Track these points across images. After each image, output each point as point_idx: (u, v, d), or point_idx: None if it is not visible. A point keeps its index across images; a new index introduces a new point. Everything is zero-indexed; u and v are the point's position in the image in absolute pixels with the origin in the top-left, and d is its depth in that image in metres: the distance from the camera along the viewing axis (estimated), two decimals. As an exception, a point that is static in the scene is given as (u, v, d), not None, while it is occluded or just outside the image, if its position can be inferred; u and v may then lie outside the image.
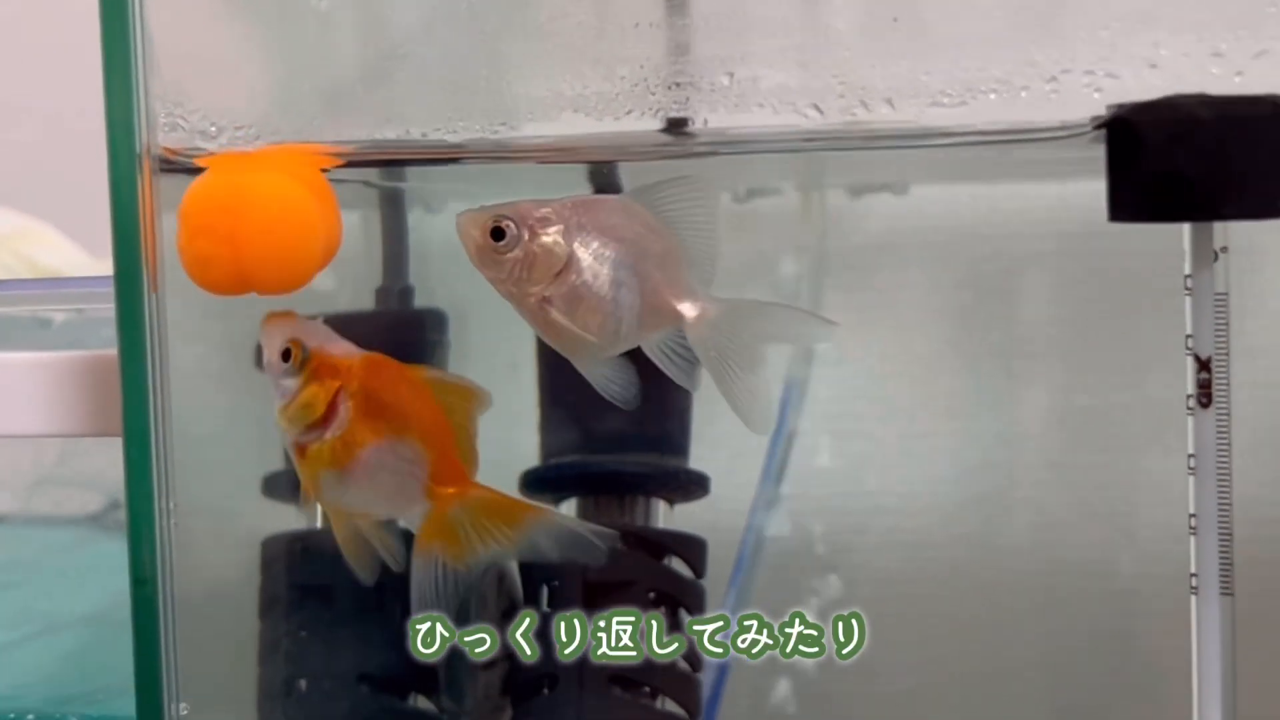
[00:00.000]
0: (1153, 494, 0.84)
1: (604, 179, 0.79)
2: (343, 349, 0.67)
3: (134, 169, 0.66)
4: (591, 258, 0.65)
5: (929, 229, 0.86)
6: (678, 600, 0.79)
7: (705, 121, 0.67)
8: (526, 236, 0.65)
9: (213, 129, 0.68)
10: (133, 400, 0.66)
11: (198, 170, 0.68)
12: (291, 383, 0.66)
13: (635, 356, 0.74)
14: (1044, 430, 0.86)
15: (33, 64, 1.16)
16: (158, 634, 0.67)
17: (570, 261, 0.65)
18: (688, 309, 0.65)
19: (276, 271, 0.65)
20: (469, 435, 0.67)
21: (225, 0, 0.70)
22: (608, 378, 0.66)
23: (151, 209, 0.66)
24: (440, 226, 0.88)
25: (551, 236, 0.65)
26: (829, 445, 0.87)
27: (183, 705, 0.68)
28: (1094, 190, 0.84)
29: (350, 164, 0.70)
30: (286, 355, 0.66)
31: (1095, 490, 0.85)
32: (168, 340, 0.68)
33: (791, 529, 0.87)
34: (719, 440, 0.84)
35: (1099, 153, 0.66)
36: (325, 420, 0.66)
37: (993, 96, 0.64)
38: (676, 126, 0.68)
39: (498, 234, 0.65)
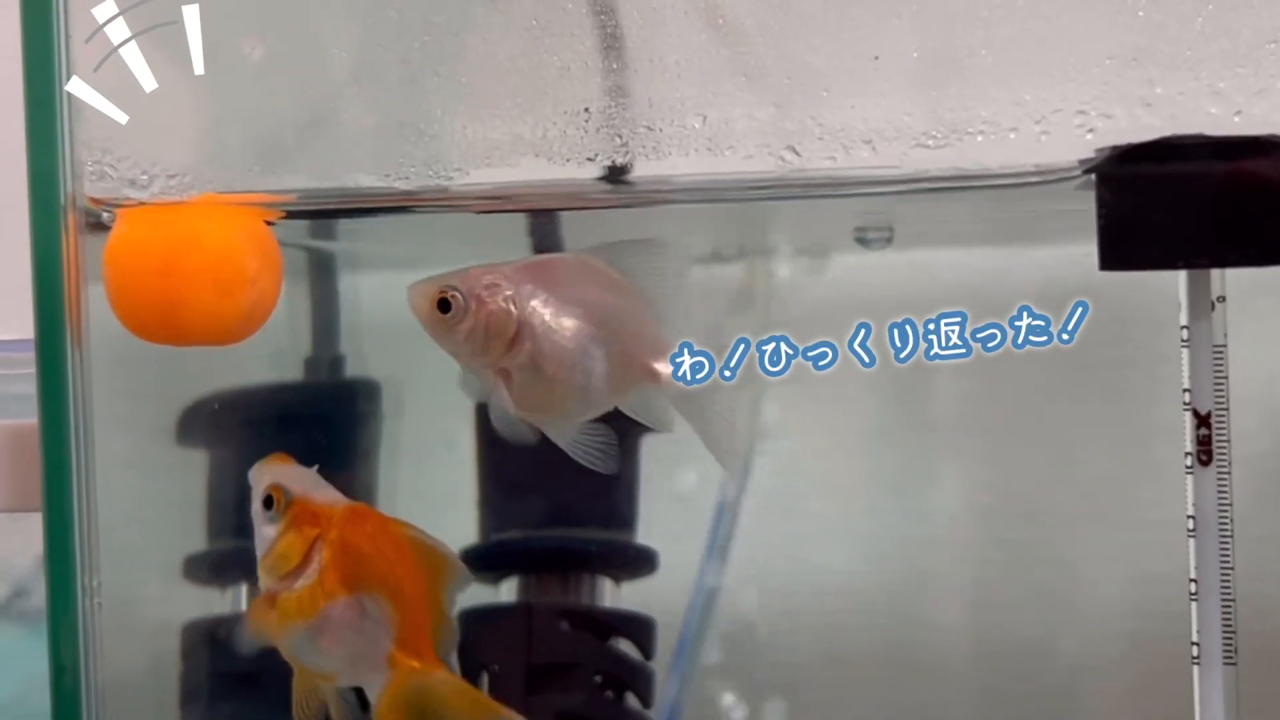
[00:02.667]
0: (1090, 570, 0.83)
1: (543, 233, 0.75)
2: (327, 496, 0.63)
3: (57, 219, 0.61)
4: (548, 322, 0.61)
5: (868, 300, 0.84)
6: (625, 683, 0.77)
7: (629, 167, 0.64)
8: (474, 306, 0.61)
9: (144, 177, 0.64)
10: (54, 470, 0.62)
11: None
12: (271, 530, 0.63)
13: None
14: (982, 506, 0.83)
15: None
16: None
17: (523, 329, 0.60)
18: (662, 367, 0.61)
19: (211, 316, 0.61)
20: (441, 606, 0.63)
21: (156, 46, 0.65)
22: (582, 444, 0.62)
23: (76, 262, 0.61)
24: (372, 292, 0.84)
25: (501, 304, 0.61)
26: (771, 522, 0.85)
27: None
28: (1029, 260, 0.83)
29: (287, 215, 0.66)
30: (269, 502, 0.63)
31: (1033, 567, 0.83)
32: (93, 406, 0.63)
33: (733, 607, 0.84)
34: (668, 514, 0.81)
35: (1072, 209, 0.64)
36: (299, 569, 0.62)
37: (979, 139, 0.61)
38: (617, 174, 0.64)
39: (444, 305, 0.62)
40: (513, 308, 0.61)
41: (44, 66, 0.62)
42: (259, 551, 0.64)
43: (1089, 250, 0.81)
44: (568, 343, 0.61)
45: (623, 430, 0.79)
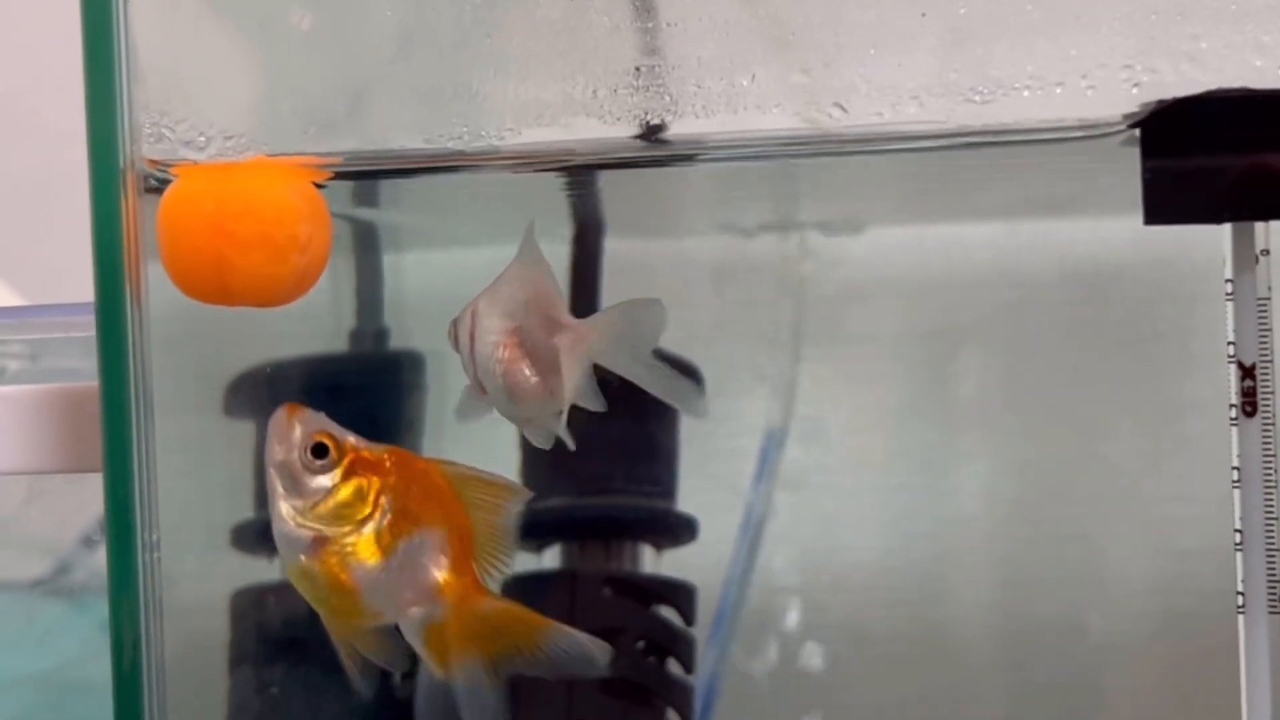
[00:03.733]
0: (1130, 548, 0.83)
1: (583, 200, 0.77)
2: (361, 441, 0.64)
3: (116, 181, 0.62)
4: (477, 326, 0.66)
5: (900, 276, 0.85)
6: (667, 649, 0.77)
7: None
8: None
9: (201, 139, 0.65)
10: (114, 427, 0.63)
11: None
12: (325, 479, 0.63)
13: (617, 400, 0.72)
14: (1015, 484, 0.84)
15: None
16: (140, 681, 0.63)
17: (472, 338, 0.66)
18: (559, 340, 0.65)
19: (260, 278, 0.62)
20: (499, 531, 0.64)
21: (209, 12, 0.66)
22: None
23: (135, 222, 0.62)
24: (415, 266, 0.85)
25: (463, 317, 0.66)
26: (803, 498, 0.85)
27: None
28: (1064, 236, 0.84)
29: (336, 176, 0.67)
30: (320, 450, 0.62)
31: (1072, 545, 0.83)
32: (152, 364, 0.64)
33: (767, 583, 0.85)
34: (709, 482, 0.82)
35: (1114, 168, 0.64)
36: (369, 516, 0.63)
37: (1026, 94, 0.61)
38: (652, 133, 0.66)
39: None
40: (468, 318, 0.66)
41: (103, 28, 0.62)
42: (299, 501, 0.64)
43: (1119, 227, 0.82)
44: (490, 338, 0.65)
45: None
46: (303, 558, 0.63)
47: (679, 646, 0.77)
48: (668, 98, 0.64)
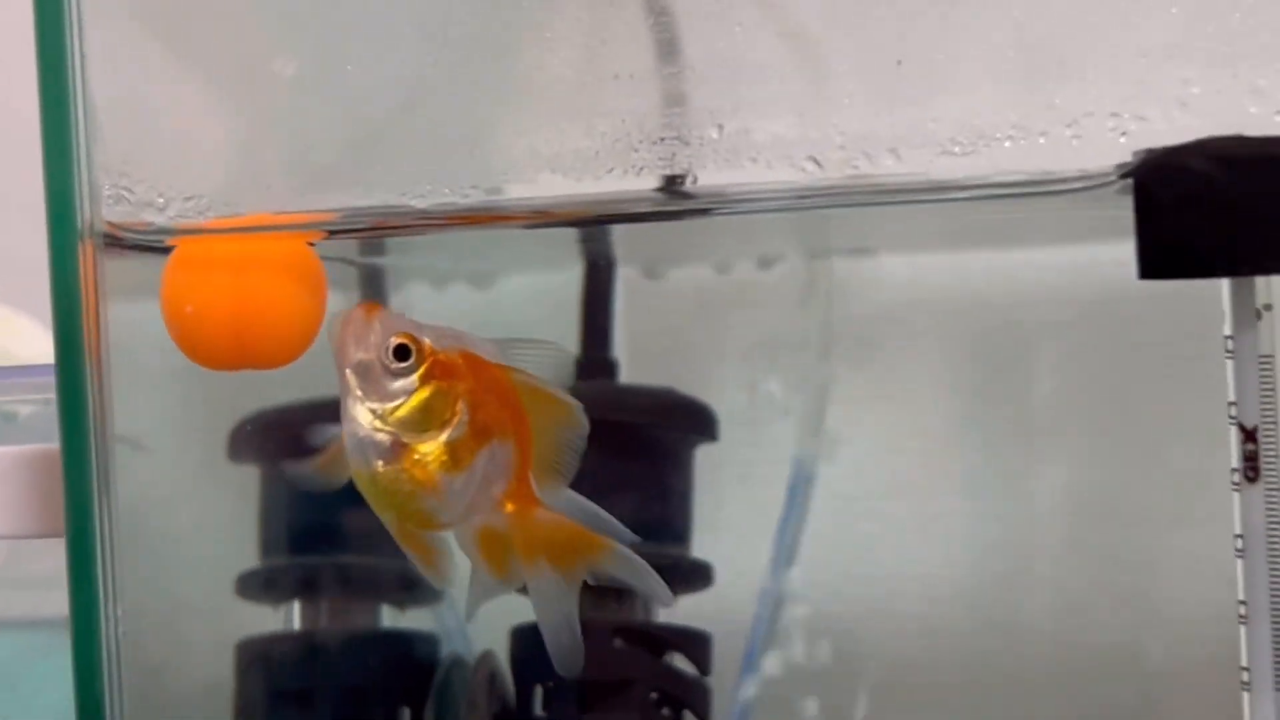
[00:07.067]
0: (1176, 572, 0.81)
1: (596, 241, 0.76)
2: (438, 343, 0.62)
3: (75, 245, 0.61)
4: None
5: (938, 299, 0.83)
6: (681, 700, 0.76)
7: (695, 179, 0.62)
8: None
9: (160, 200, 0.63)
10: (76, 496, 0.61)
11: (147, 247, 0.65)
12: (405, 383, 0.61)
13: (627, 442, 0.70)
14: (1062, 508, 0.83)
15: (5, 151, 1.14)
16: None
17: None
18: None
19: (279, 343, 0.63)
20: (555, 443, 0.62)
21: (178, 64, 0.65)
22: None
23: (94, 287, 0.61)
24: (422, 304, 0.83)
25: None
26: (840, 526, 0.84)
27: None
28: (1108, 256, 0.80)
29: (331, 234, 0.66)
30: (403, 353, 0.61)
31: (1116, 570, 0.82)
32: (113, 431, 0.62)
33: (804, 612, 0.83)
34: (723, 527, 0.80)
35: (1114, 212, 0.62)
36: (449, 422, 0.62)
37: (1008, 144, 0.58)
38: (671, 184, 0.64)
39: None
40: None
41: (59, 89, 0.61)
42: (379, 404, 0.61)
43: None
44: None
45: (675, 440, 0.78)
46: (379, 463, 0.61)
47: (693, 697, 0.76)
48: (686, 145, 0.62)
